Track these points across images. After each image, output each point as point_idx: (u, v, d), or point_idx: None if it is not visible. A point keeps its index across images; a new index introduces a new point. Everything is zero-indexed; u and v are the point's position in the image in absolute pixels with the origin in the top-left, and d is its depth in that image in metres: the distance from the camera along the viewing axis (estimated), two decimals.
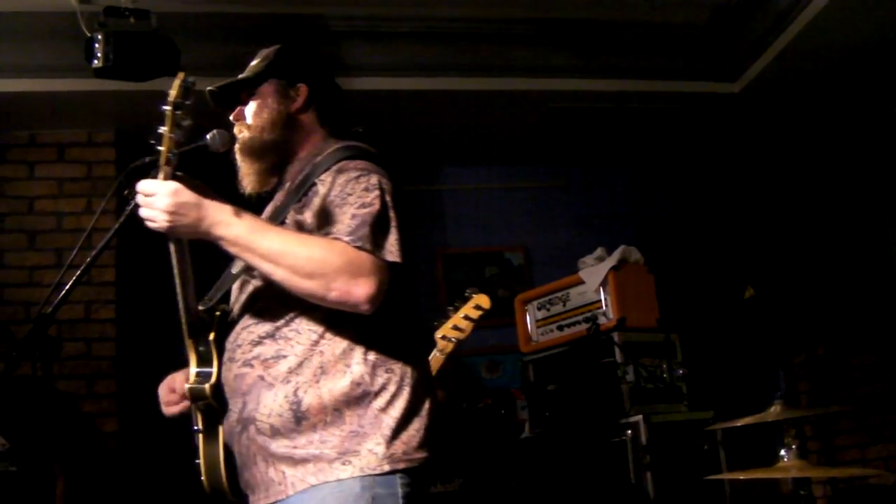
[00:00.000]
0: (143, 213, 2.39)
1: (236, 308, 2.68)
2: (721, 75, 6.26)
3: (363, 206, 2.45)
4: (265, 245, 2.38)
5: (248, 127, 2.78)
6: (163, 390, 2.77)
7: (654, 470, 4.90)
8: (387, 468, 2.39)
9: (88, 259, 2.85)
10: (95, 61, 4.81)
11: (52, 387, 5.08)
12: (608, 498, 5.06)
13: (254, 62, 2.89)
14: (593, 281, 5.53)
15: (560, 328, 5.70)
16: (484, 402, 5.88)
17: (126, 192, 2.57)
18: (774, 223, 6.94)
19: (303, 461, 2.41)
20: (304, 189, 2.61)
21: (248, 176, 2.78)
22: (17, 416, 4.44)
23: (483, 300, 4.48)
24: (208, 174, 2.52)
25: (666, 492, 4.90)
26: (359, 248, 2.38)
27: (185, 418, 2.68)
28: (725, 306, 6.48)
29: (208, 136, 2.54)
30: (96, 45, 4.79)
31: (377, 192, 2.49)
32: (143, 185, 2.38)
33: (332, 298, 2.37)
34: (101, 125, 5.95)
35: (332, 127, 2.86)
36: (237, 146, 2.77)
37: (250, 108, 2.80)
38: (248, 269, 2.59)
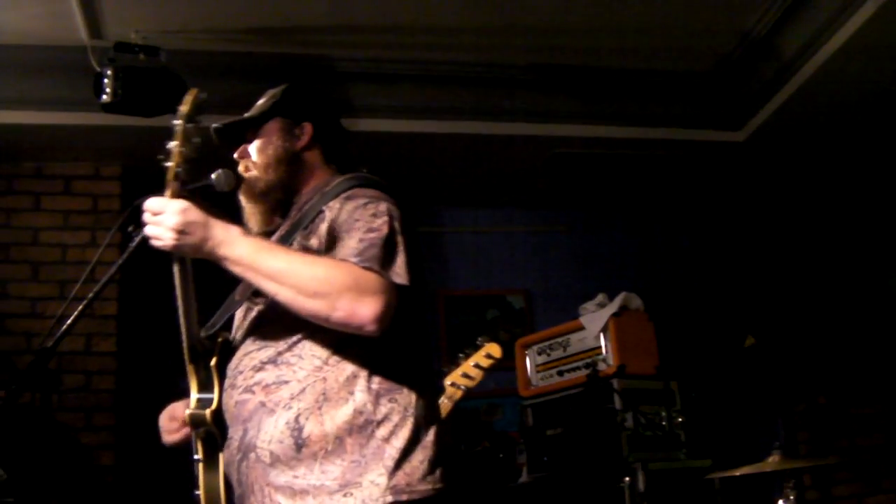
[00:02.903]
0: (148, 231, 2.34)
1: (239, 334, 2.63)
2: (725, 124, 6.29)
3: (371, 230, 2.42)
4: (269, 264, 2.33)
5: (253, 165, 2.75)
6: (164, 418, 2.74)
7: None
8: (389, 500, 2.29)
9: (91, 293, 2.85)
10: (104, 96, 4.85)
11: (51, 418, 5.08)
12: None
13: (260, 101, 2.88)
14: (594, 327, 5.52)
15: (560, 373, 5.68)
16: (482, 444, 5.86)
17: (130, 228, 2.58)
18: (776, 272, 6.95)
19: (302, 492, 2.32)
20: (310, 217, 2.58)
21: (253, 215, 2.74)
22: (16, 447, 4.43)
23: (495, 349, 4.46)
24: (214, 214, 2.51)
25: None
26: (366, 268, 2.32)
27: (184, 451, 2.65)
28: (725, 354, 6.48)
29: (213, 176, 2.56)
30: (105, 80, 4.84)
31: (386, 218, 2.45)
32: (151, 203, 2.34)
33: (336, 318, 2.30)
34: (107, 159, 5.97)
35: (339, 165, 2.83)
36: (242, 185, 2.75)
37: (255, 147, 2.78)
38: (253, 295, 2.57)
